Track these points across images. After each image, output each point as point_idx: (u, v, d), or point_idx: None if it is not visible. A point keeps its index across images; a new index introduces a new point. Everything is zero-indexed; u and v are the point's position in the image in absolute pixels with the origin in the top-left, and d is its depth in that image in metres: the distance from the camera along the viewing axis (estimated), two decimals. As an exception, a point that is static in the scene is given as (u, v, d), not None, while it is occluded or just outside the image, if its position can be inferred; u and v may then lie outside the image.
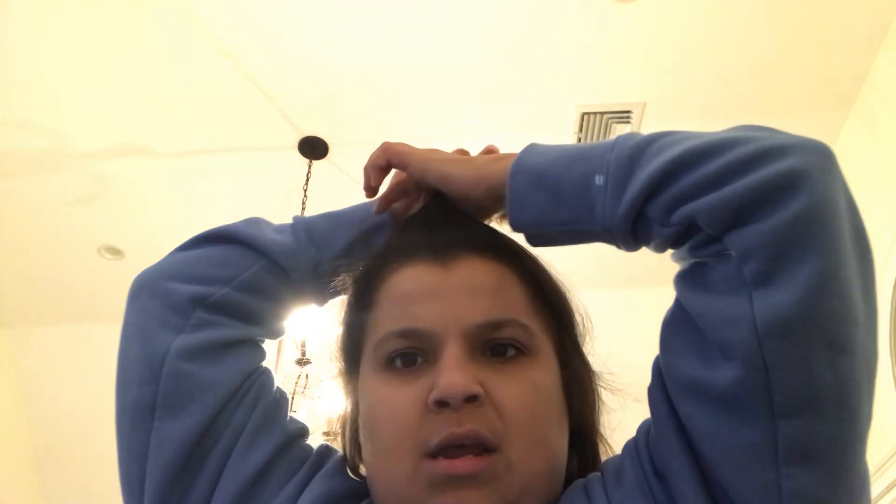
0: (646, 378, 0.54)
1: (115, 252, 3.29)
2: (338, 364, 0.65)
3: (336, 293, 0.67)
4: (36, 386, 3.79)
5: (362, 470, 0.61)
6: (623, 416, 0.63)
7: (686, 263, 0.51)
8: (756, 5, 2.33)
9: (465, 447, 0.51)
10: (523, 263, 0.61)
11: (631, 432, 0.58)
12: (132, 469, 0.59)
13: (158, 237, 3.20)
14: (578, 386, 0.61)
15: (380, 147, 0.67)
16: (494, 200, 0.60)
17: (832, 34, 2.40)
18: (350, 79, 2.58)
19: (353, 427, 0.62)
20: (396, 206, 0.69)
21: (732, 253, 0.45)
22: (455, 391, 0.51)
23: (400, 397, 0.53)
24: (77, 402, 3.71)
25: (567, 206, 0.53)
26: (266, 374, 0.64)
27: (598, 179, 0.52)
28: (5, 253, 3.29)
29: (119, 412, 0.62)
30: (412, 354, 0.55)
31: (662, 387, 0.51)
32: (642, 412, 0.56)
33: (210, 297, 0.62)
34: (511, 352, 0.55)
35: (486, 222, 0.65)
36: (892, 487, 2.33)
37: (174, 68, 2.53)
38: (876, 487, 2.40)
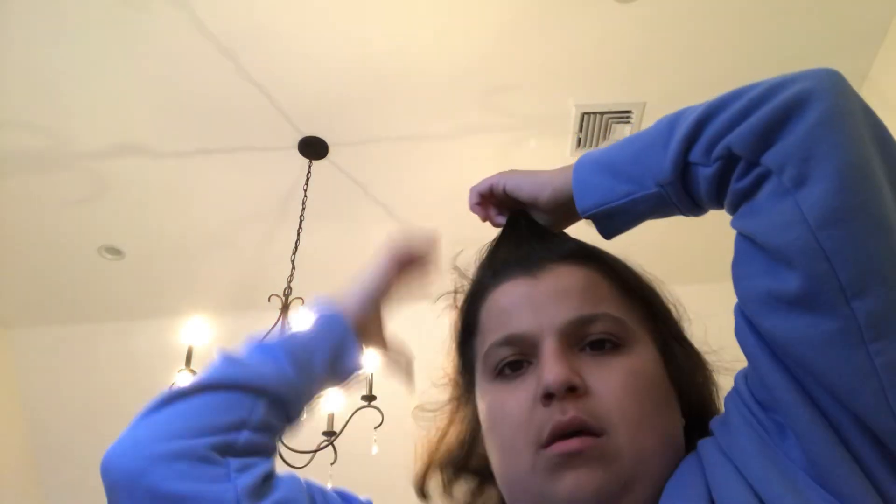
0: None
1: (115, 252, 3.29)
2: (454, 390, 0.70)
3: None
4: (36, 386, 3.79)
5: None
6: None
7: (739, 209, 0.56)
8: (756, 5, 2.33)
9: (573, 434, 0.55)
10: (608, 264, 0.66)
11: None
12: None
13: (158, 237, 3.21)
14: (683, 370, 0.64)
15: (469, 193, 0.74)
16: (559, 204, 0.66)
17: (832, 34, 2.40)
18: (350, 79, 2.58)
19: (471, 444, 0.67)
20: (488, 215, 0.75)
21: (771, 169, 0.51)
22: (557, 381, 0.55)
23: (512, 398, 0.58)
24: (77, 402, 3.71)
25: (625, 179, 0.60)
26: (307, 483, 0.65)
27: (649, 150, 0.59)
28: (5, 253, 3.29)
29: None
30: (518, 362, 0.60)
31: (745, 321, 0.55)
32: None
33: (234, 443, 0.59)
34: (608, 345, 0.59)
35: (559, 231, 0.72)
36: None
37: (174, 68, 2.54)
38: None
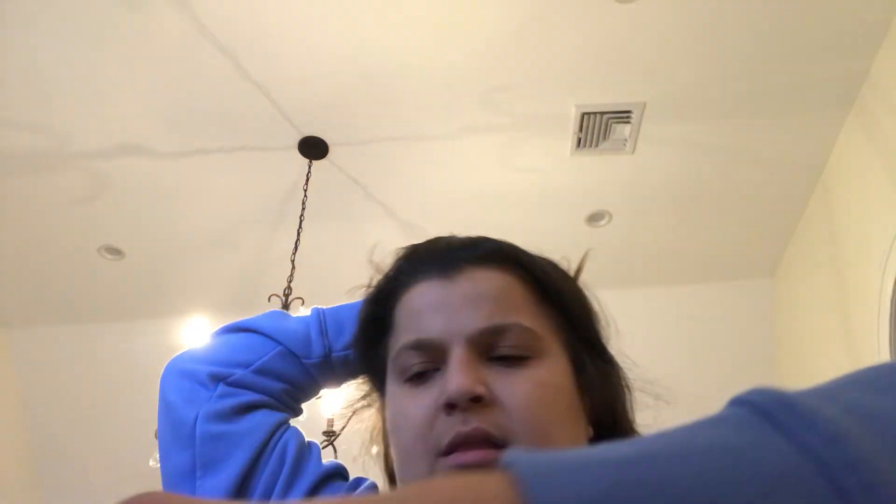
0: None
1: (115, 252, 3.29)
2: (367, 386, 0.71)
3: (346, 379, 0.75)
4: (35, 386, 3.79)
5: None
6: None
7: None
8: (756, 5, 2.33)
9: (475, 444, 0.54)
10: (527, 269, 0.63)
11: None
12: None
13: (158, 237, 3.21)
14: (594, 384, 0.63)
15: None
16: None
17: (832, 34, 2.40)
18: (350, 79, 2.58)
19: (387, 442, 0.68)
20: None
21: None
22: (460, 391, 0.54)
23: (415, 405, 0.58)
24: (77, 402, 3.71)
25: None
26: (292, 429, 0.71)
27: None
28: (5, 253, 3.29)
29: (165, 477, 0.69)
30: (425, 370, 0.59)
31: None
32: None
33: (230, 376, 0.70)
34: (516, 355, 0.58)
35: None
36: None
37: (174, 68, 2.54)
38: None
